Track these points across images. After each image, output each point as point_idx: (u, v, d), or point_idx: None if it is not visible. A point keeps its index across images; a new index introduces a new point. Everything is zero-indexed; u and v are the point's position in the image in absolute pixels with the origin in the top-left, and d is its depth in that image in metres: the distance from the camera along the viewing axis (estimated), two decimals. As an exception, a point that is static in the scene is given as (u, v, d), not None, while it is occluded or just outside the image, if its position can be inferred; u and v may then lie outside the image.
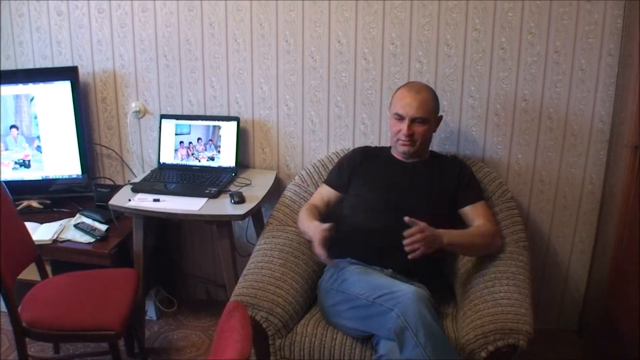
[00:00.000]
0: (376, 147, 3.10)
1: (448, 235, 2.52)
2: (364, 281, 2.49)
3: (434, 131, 2.87)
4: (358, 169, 2.89)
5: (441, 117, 2.88)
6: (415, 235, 2.38)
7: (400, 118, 2.75)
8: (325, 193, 2.93)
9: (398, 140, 2.79)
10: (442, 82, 3.16)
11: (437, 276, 2.84)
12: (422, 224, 2.41)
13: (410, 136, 2.75)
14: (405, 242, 2.38)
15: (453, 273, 2.87)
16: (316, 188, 3.08)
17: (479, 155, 3.24)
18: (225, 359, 1.52)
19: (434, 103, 2.79)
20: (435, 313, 2.30)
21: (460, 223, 2.82)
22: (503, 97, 3.14)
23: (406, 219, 2.41)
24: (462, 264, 2.82)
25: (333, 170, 2.98)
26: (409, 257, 2.39)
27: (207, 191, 3.05)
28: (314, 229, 2.62)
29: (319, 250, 2.53)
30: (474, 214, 2.77)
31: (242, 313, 1.72)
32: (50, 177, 3.43)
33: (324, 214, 2.87)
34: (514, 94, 3.13)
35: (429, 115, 2.74)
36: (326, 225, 2.57)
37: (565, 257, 3.37)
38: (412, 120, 2.73)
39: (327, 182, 2.97)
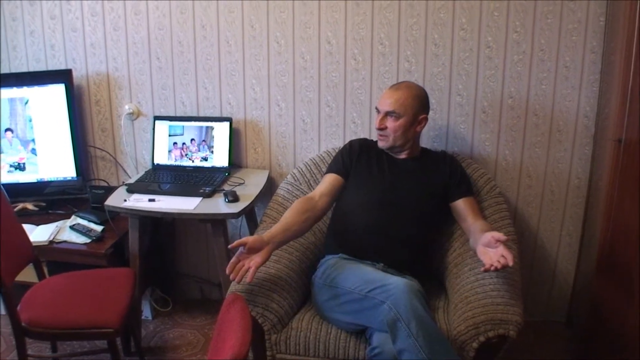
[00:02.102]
0: (375, 140, 3.00)
1: None
2: (356, 276, 2.52)
3: (417, 130, 2.86)
4: (356, 160, 2.91)
5: (425, 118, 2.85)
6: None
7: (378, 112, 2.84)
8: (328, 180, 2.88)
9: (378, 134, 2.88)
10: (431, 81, 3.21)
11: (428, 270, 2.89)
12: (510, 255, 2.37)
13: (383, 129, 2.82)
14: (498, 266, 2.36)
15: (443, 267, 2.91)
16: (308, 186, 3.12)
17: (467, 152, 3.30)
18: (226, 348, 1.56)
19: (412, 101, 2.79)
20: (426, 304, 2.34)
21: (449, 218, 2.88)
22: (490, 94, 3.20)
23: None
24: (452, 258, 2.86)
25: (336, 159, 2.96)
26: (482, 269, 2.39)
27: (202, 191, 3.09)
28: (260, 236, 2.52)
29: (241, 240, 2.45)
30: (465, 209, 2.81)
31: (241, 304, 1.76)
32: (45, 180, 3.46)
33: (325, 206, 2.81)
34: (500, 92, 3.19)
35: (403, 111, 2.77)
36: (258, 246, 2.47)
37: (553, 250, 3.43)
38: (386, 114, 2.80)
39: (330, 170, 2.93)
